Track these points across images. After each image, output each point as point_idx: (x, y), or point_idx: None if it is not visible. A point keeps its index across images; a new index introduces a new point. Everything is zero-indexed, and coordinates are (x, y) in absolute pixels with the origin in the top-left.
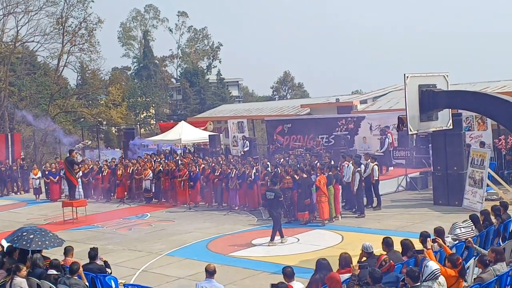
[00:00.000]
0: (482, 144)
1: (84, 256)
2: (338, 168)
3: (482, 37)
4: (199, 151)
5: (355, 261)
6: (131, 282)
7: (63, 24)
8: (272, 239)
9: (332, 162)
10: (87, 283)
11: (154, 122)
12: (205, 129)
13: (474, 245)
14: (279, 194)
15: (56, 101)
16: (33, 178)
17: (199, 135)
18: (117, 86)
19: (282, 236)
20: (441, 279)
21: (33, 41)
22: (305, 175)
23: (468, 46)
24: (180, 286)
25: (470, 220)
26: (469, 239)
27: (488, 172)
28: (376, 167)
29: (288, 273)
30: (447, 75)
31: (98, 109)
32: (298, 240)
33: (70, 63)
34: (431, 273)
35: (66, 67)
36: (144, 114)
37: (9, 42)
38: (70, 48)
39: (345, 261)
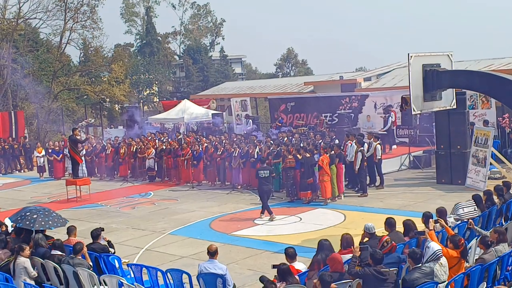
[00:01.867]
0: (486, 122)
1: (88, 234)
2: (342, 147)
3: (487, 13)
4: (202, 130)
5: (357, 241)
6: (135, 261)
7: (65, 1)
8: (270, 212)
9: (337, 141)
10: (91, 263)
11: (157, 100)
12: (208, 107)
13: (475, 227)
14: (272, 169)
15: (59, 79)
16: (37, 156)
17: (202, 113)
18: (120, 63)
19: (263, 212)
20: (443, 260)
21: (35, 18)
22: (308, 155)
23: (473, 22)
24: (183, 265)
25: (472, 200)
26: (470, 221)
27: (492, 151)
28: (379, 146)
29: (290, 253)
30: (451, 54)
31: (101, 86)
32: (301, 219)
33: (73, 40)
34: (432, 253)
35: (68, 44)
36: (147, 92)
37: (11, 19)
38: (73, 25)
39: (346, 242)
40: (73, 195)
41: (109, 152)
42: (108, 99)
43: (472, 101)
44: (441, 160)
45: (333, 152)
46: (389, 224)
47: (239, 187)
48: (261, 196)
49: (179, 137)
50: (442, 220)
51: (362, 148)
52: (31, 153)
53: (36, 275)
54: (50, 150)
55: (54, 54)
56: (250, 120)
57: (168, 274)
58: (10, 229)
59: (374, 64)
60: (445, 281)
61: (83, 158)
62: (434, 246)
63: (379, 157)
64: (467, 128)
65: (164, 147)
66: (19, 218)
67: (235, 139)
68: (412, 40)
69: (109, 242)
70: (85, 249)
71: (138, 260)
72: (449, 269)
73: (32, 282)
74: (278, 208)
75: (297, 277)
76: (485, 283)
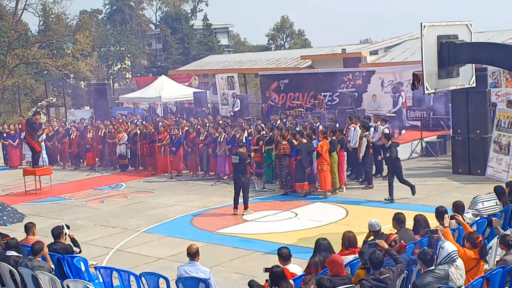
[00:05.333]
0: (510, 103)
1: (49, 232)
2: (344, 132)
3: None
4: (182, 111)
5: (360, 239)
6: (104, 264)
7: None
8: (246, 207)
9: (337, 125)
10: (52, 266)
11: (130, 76)
12: (189, 85)
13: (498, 227)
14: (245, 157)
15: (15, 51)
16: None
17: (182, 92)
18: (86, 33)
19: (246, 208)
20: (459, 261)
21: None
22: (305, 140)
23: None
24: (160, 268)
25: (494, 193)
26: (496, 219)
27: None
28: (386, 130)
29: (284, 254)
30: (471, 24)
31: (64, 60)
32: (296, 215)
33: (31, 6)
34: (447, 255)
35: (26, 10)
36: (118, 66)
37: None
38: None
39: (349, 241)
40: (31, 186)
41: (73, 136)
42: (72, 75)
43: (495, 78)
44: (458, 146)
45: (334, 137)
46: (398, 220)
47: (225, 177)
48: (234, 186)
49: (157, 119)
50: (459, 216)
51: (367, 132)
52: None
53: None
54: (4, 134)
55: (8, 22)
56: (238, 100)
57: (143, 278)
58: None
59: (382, 36)
60: (461, 286)
61: (43, 144)
62: (449, 246)
63: None
64: (488, 110)
65: (138, 131)
66: None
67: (220, 122)
68: (426, 8)
69: (73, 239)
70: (45, 249)
71: (108, 262)
72: (466, 272)
73: None
74: (270, 202)
75: (291, 281)
76: (507, 287)
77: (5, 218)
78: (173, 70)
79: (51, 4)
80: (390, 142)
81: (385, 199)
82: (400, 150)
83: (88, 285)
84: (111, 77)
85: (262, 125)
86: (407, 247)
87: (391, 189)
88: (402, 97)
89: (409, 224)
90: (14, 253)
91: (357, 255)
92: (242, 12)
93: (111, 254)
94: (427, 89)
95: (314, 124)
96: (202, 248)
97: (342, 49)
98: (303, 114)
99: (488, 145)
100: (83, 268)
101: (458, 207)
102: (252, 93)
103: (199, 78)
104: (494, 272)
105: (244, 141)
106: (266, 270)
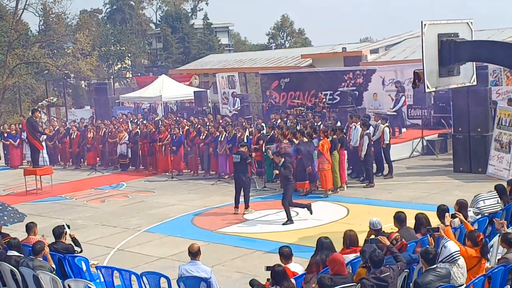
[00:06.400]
0: (511, 101)
1: (50, 232)
2: (344, 131)
3: None
4: (183, 110)
5: (361, 238)
6: (105, 263)
7: None
8: (247, 206)
9: (339, 124)
10: (53, 265)
11: (131, 75)
12: (189, 84)
13: (501, 229)
14: (246, 156)
15: (15, 50)
16: None
17: (183, 91)
18: (86, 32)
19: (247, 207)
20: (461, 261)
21: None
22: (305, 139)
23: None
24: (161, 267)
25: (495, 191)
26: (497, 220)
27: None
28: (387, 129)
29: (286, 253)
30: (471, 22)
31: (64, 59)
32: (297, 214)
33: (31, 6)
34: (449, 255)
35: (26, 10)
36: (119, 66)
37: None
38: None
39: (350, 239)
40: (32, 186)
41: (74, 136)
42: (72, 75)
43: (495, 76)
44: (458, 145)
45: (334, 136)
46: (399, 219)
47: (226, 176)
48: (234, 185)
49: (156, 118)
50: (461, 214)
51: (368, 131)
52: None
53: None
54: (5, 134)
55: (9, 21)
56: (238, 99)
57: (144, 277)
58: None
59: (382, 34)
60: (463, 284)
61: (44, 143)
62: (452, 246)
63: (388, 142)
64: (489, 108)
65: (138, 130)
66: None
67: (221, 121)
68: (426, 6)
69: (74, 239)
70: (46, 249)
71: (109, 262)
72: (468, 270)
73: None
74: (271, 201)
75: (293, 280)
76: (509, 286)
77: (5, 218)
78: (174, 70)
79: (51, 3)
80: (283, 159)
81: (283, 224)
82: (401, 148)
83: (89, 285)
84: (112, 77)
85: (263, 124)
86: (408, 245)
87: (288, 211)
88: (404, 96)
89: (410, 222)
90: (15, 253)
91: (358, 254)
92: (242, 11)
93: (112, 253)
94: (427, 87)
95: (315, 123)
96: (203, 247)
97: (343, 47)
98: (303, 113)
99: (489, 143)
100: (84, 268)
101: (462, 206)
102: (253, 92)
103: (199, 78)
104: (496, 270)
105: (245, 140)
106: (267, 268)
